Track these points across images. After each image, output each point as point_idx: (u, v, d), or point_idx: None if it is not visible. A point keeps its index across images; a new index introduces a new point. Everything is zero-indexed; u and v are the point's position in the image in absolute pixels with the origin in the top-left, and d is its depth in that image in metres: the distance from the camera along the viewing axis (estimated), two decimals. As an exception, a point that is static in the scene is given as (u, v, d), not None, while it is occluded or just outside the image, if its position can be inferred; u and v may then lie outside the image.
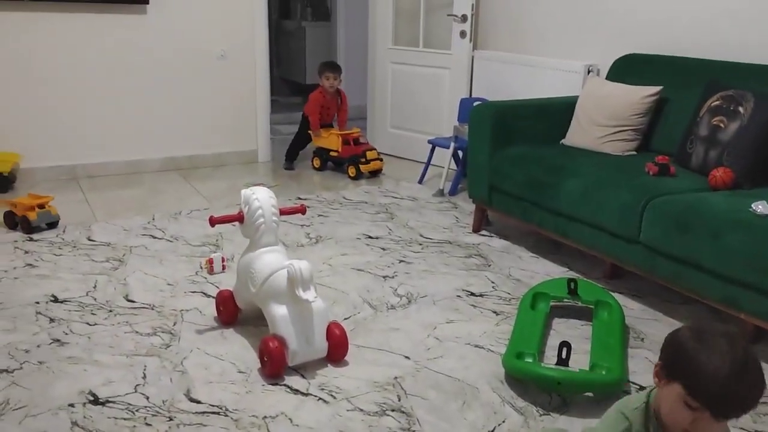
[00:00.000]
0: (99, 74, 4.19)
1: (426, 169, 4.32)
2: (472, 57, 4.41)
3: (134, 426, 1.80)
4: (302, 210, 2.41)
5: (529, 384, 1.99)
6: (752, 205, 2.16)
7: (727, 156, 2.52)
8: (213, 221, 2.24)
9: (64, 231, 3.27)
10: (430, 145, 4.28)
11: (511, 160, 3.08)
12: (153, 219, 3.49)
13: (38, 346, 2.19)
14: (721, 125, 2.56)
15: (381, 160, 4.50)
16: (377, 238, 3.30)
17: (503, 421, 1.85)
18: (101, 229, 3.32)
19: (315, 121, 4.60)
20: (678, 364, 1.22)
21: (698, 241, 2.20)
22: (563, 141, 3.24)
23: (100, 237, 3.21)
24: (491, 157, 3.16)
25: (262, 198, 2.24)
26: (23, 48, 3.96)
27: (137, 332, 2.30)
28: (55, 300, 2.53)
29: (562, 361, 1.98)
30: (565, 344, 2.00)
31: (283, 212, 2.32)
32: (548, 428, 1.80)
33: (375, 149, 4.53)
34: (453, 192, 4.06)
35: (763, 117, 2.45)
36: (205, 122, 4.59)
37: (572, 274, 2.85)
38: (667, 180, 2.59)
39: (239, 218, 2.25)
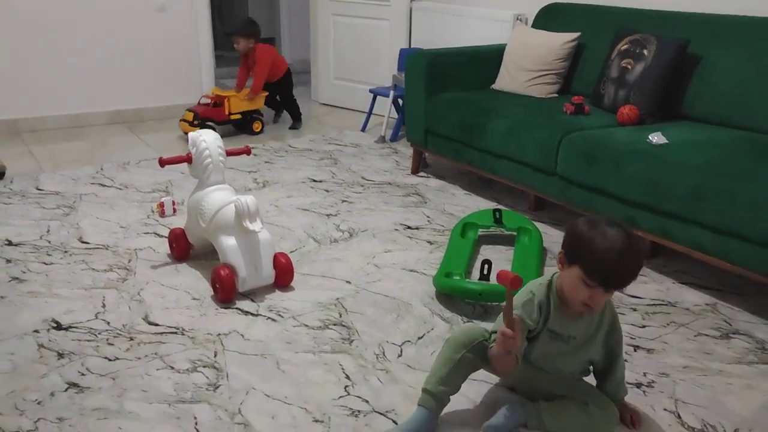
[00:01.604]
0: (39, 27, 4.17)
1: (368, 117, 4.50)
2: (410, 8, 4.56)
3: (97, 345, 1.97)
4: (247, 151, 2.56)
5: (456, 298, 2.25)
6: (649, 137, 2.43)
7: (634, 94, 2.79)
8: (163, 162, 2.38)
9: (11, 182, 3.33)
10: (372, 95, 4.45)
11: (444, 105, 3.29)
12: (101, 169, 3.58)
13: (-2, 284, 2.32)
14: (629, 67, 2.82)
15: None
16: (321, 181, 3.48)
17: (432, 329, 2.10)
18: (49, 179, 3.40)
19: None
20: (577, 250, 1.47)
21: (604, 171, 2.48)
22: (493, 86, 3.47)
23: (49, 186, 3.29)
24: (426, 102, 3.36)
25: (209, 139, 2.39)
26: (-44, 0, 3.91)
27: (94, 269, 2.45)
28: (10, 243, 2.63)
29: (484, 277, 2.24)
30: (486, 261, 2.26)
31: (229, 153, 2.47)
32: (466, 326, 2.04)
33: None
34: (394, 138, 4.27)
35: (664, 58, 2.72)
36: (149, 75, 4.62)
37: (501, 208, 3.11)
38: (581, 118, 2.85)
39: (188, 159, 2.39)
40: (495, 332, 1.56)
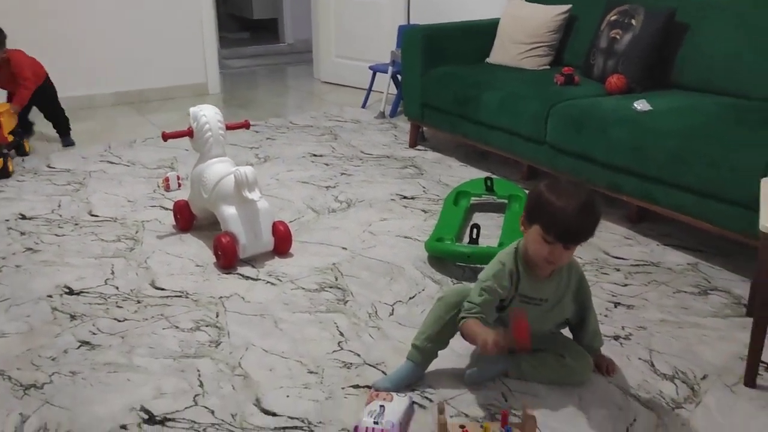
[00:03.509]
0: (46, 11, 4.27)
1: (368, 94, 4.58)
2: (409, -15, 4.62)
3: (107, 308, 2.09)
4: (246, 125, 2.66)
5: (447, 261, 2.35)
6: (634, 104, 2.51)
7: (622, 64, 2.85)
8: (165, 136, 2.48)
9: (23, 160, 3.46)
10: (372, 72, 4.52)
11: (440, 79, 3.36)
12: (109, 147, 3.70)
13: (13, 254, 2.44)
14: (617, 37, 2.88)
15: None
16: (321, 155, 3.58)
17: (423, 290, 2.20)
18: (59, 157, 3.52)
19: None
20: (536, 209, 1.55)
21: (590, 138, 2.56)
22: (488, 59, 3.54)
23: (60, 164, 3.41)
24: (422, 76, 3.44)
25: (209, 114, 2.49)
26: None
27: (103, 240, 2.57)
28: (23, 217, 2.76)
29: (473, 240, 2.34)
30: (475, 226, 2.36)
31: (228, 127, 2.58)
32: (458, 287, 2.13)
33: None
34: (393, 114, 4.35)
35: (652, 27, 2.78)
36: (154, 57, 4.72)
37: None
38: (571, 88, 2.92)
39: (189, 133, 2.50)
40: (470, 302, 1.64)
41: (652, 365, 1.79)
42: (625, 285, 2.20)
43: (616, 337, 1.91)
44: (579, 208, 1.48)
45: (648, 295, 2.14)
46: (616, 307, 2.07)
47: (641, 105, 2.48)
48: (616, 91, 2.79)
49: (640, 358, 1.82)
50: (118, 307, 2.10)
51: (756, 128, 2.21)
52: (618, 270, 2.30)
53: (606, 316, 2.01)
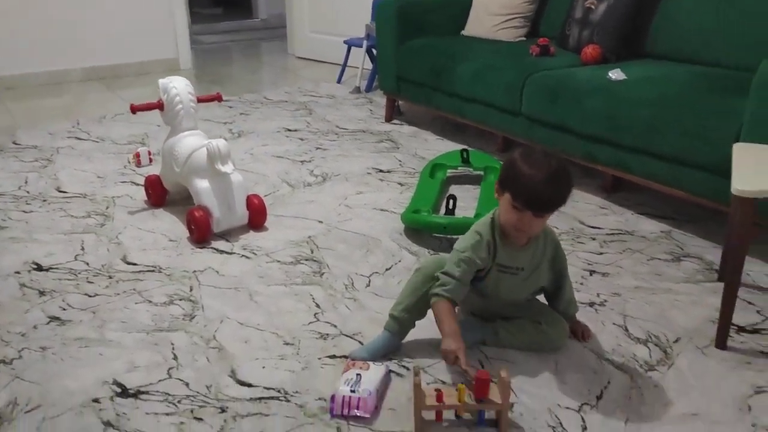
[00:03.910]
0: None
1: (343, 69, 4.53)
2: (383, -43, 4.54)
3: (77, 284, 2.05)
4: (218, 97, 2.60)
5: (423, 232, 2.34)
6: (608, 73, 2.51)
7: (597, 34, 2.85)
8: (134, 108, 2.42)
9: (-12, 138, 3.37)
10: (347, 46, 4.46)
11: (415, 51, 3.33)
12: (78, 123, 3.61)
13: (-21, 231, 2.38)
14: (593, 7, 2.87)
15: None
16: (296, 130, 3.54)
17: (399, 261, 2.20)
18: (26, 134, 3.43)
19: None
20: (508, 177, 1.55)
21: (565, 108, 2.55)
22: (463, 32, 3.50)
23: (26, 141, 3.32)
24: (397, 49, 3.40)
25: (179, 86, 2.43)
26: None
27: (72, 216, 2.52)
28: (-10, 195, 2.69)
29: (449, 211, 2.33)
30: (451, 197, 2.35)
31: (200, 100, 2.52)
32: (435, 257, 2.13)
33: None
34: (368, 88, 4.31)
35: (626, -3, 2.78)
36: (124, 31, 4.61)
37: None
38: (546, 59, 2.91)
39: (159, 106, 2.44)
40: (446, 274, 1.62)
41: (626, 330, 1.80)
42: (601, 253, 2.22)
43: (591, 304, 1.92)
44: (548, 176, 1.48)
45: (622, 262, 2.16)
46: (591, 274, 2.09)
47: (616, 74, 2.48)
48: (591, 62, 2.79)
49: (614, 324, 1.83)
50: (88, 282, 2.06)
51: (728, 96, 2.23)
52: (593, 239, 2.32)
53: (581, 283, 2.02)
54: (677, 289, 1.99)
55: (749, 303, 1.91)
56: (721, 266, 2.04)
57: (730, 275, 1.68)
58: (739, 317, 1.78)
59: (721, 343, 1.71)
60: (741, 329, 1.79)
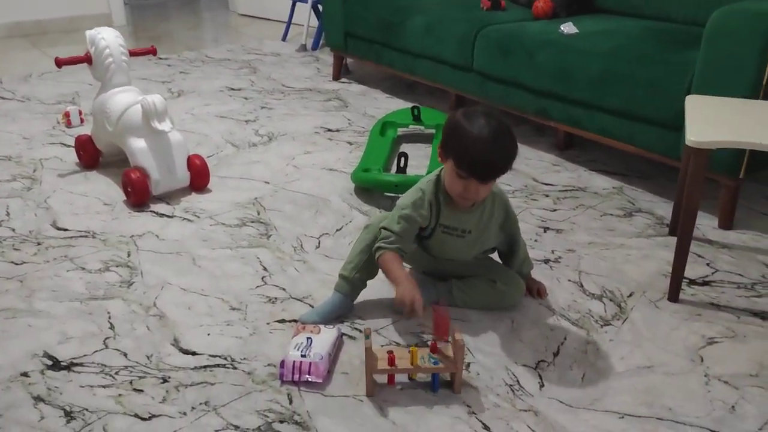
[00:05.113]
0: None
1: (288, 26, 4.35)
2: None
3: (2, 251, 1.90)
4: (153, 51, 2.43)
5: (374, 191, 2.26)
6: (560, 26, 2.45)
7: (548, -12, 2.78)
8: (59, 62, 2.24)
9: None
10: (291, 2, 4.28)
11: (362, 5, 3.20)
12: (1, 82, 3.35)
13: None
14: (544, -41, 2.80)
15: None
16: (240, 89, 3.38)
17: (350, 221, 2.12)
18: (-57, 94, 3.17)
19: None
20: (450, 142, 1.47)
21: (517, 63, 2.49)
22: (413, -15, 3.38)
23: (-57, 101, 3.07)
24: (343, 3, 3.26)
25: (108, 37, 2.25)
26: None
27: (-4, 180, 2.33)
28: None
29: (401, 169, 2.26)
30: (402, 155, 2.27)
31: (133, 53, 2.35)
32: (385, 214, 2.06)
33: None
34: (315, 47, 4.15)
35: (578, -51, 2.71)
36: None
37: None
38: (498, 13, 2.83)
39: (87, 59, 2.26)
40: (386, 229, 1.56)
41: (581, 286, 1.78)
42: (554, 210, 2.19)
43: (546, 261, 1.90)
44: (491, 141, 1.41)
45: (576, 219, 2.14)
46: (545, 231, 2.06)
47: (567, 28, 2.43)
48: (542, 16, 2.73)
49: (569, 280, 1.81)
50: (14, 249, 1.91)
51: (678, 49, 2.21)
52: (547, 196, 2.29)
53: (536, 240, 1.99)
54: (630, 244, 1.99)
55: (699, 256, 1.92)
56: (672, 221, 2.05)
57: (682, 228, 1.67)
58: (690, 270, 1.78)
59: (673, 296, 1.71)
60: (692, 282, 1.79)
